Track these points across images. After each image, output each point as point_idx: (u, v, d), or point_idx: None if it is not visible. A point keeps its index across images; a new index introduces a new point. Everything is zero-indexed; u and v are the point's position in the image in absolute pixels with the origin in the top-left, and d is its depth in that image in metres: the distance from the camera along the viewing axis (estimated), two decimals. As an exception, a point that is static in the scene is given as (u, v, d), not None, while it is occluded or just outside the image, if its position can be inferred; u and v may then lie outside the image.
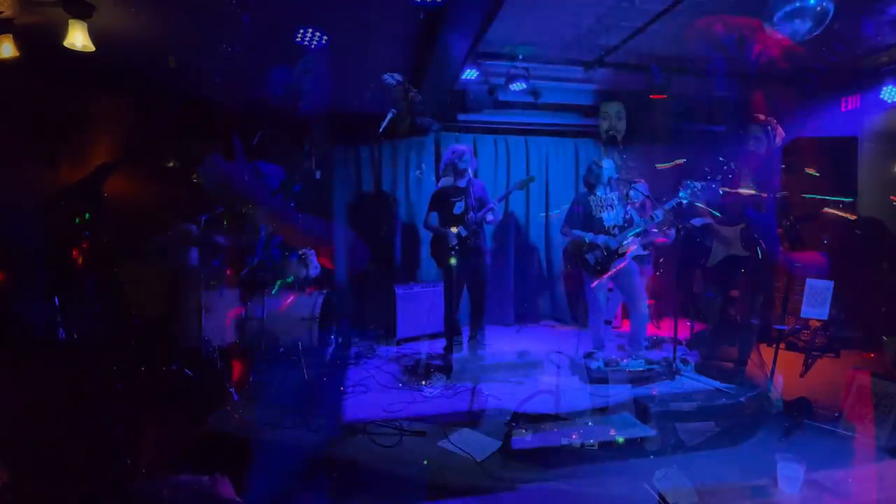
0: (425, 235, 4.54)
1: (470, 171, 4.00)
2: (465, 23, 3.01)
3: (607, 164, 3.92)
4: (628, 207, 4.00)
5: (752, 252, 3.33)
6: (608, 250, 3.73)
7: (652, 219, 3.50)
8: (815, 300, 3.83)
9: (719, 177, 2.96)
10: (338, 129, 4.79)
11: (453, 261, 3.84)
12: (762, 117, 3.34)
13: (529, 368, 3.81)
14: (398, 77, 3.84)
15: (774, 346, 3.19)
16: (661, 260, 4.89)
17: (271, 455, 2.79)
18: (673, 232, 4.24)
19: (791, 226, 3.04)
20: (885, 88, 4.11)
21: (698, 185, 3.48)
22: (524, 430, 2.72)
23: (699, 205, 3.33)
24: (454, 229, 3.91)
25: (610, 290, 4.73)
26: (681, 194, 3.41)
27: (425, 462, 2.64)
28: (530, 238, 5.56)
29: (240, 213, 3.82)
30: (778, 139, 3.40)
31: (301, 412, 3.13)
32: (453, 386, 3.44)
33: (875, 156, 4.35)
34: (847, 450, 2.80)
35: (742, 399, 3.24)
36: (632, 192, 4.35)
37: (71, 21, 3.09)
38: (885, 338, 4.07)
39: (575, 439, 2.61)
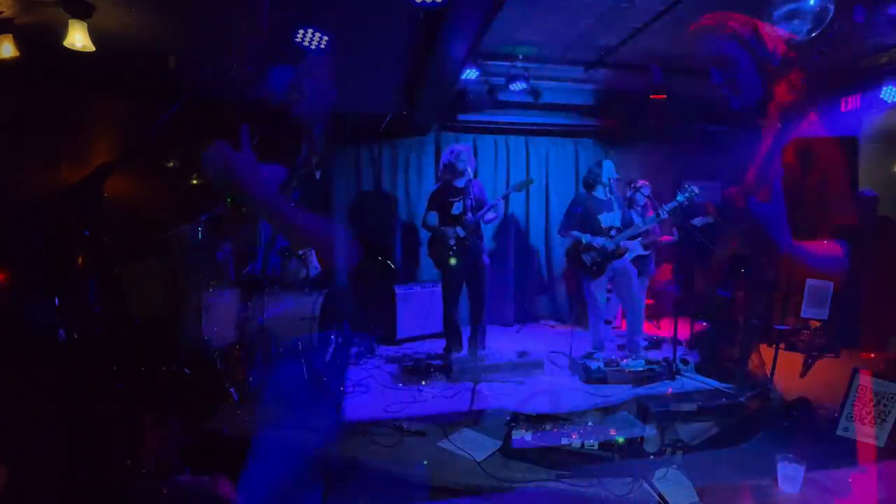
0: (425, 235, 4.55)
1: (469, 170, 3.99)
2: (465, 23, 3.01)
3: (607, 165, 3.92)
4: (627, 209, 4.00)
5: (755, 251, 3.34)
6: (604, 252, 3.73)
7: (658, 216, 3.50)
8: (815, 300, 3.83)
9: (719, 180, 2.97)
10: (338, 129, 4.78)
11: (452, 261, 3.83)
12: (767, 119, 3.34)
13: (529, 368, 3.80)
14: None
15: (774, 346, 3.19)
16: (662, 260, 4.88)
17: (271, 455, 2.79)
18: (676, 231, 4.24)
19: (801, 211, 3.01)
20: (885, 88, 4.10)
21: (696, 188, 3.49)
22: (524, 430, 2.72)
23: (703, 203, 3.33)
24: (452, 229, 3.91)
25: (609, 290, 4.74)
26: (678, 197, 3.42)
27: (425, 462, 2.65)
28: (530, 238, 5.56)
29: (241, 213, 3.81)
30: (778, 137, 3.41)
31: (301, 412, 3.13)
32: (453, 386, 3.43)
33: (875, 156, 4.35)
34: (847, 450, 2.79)
35: (742, 399, 3.24)
36: (635, 195, 4.35)
37: (71, 21, 3.09)
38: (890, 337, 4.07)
39: (575, 439, 2.62)
